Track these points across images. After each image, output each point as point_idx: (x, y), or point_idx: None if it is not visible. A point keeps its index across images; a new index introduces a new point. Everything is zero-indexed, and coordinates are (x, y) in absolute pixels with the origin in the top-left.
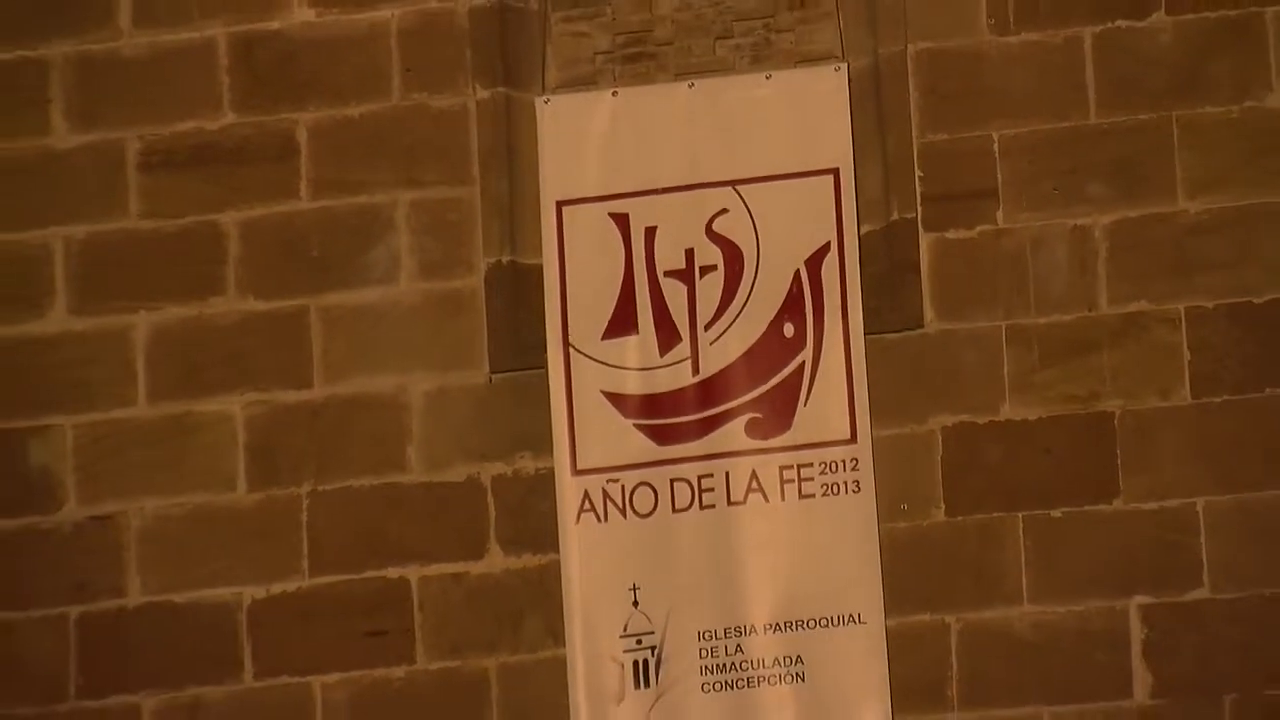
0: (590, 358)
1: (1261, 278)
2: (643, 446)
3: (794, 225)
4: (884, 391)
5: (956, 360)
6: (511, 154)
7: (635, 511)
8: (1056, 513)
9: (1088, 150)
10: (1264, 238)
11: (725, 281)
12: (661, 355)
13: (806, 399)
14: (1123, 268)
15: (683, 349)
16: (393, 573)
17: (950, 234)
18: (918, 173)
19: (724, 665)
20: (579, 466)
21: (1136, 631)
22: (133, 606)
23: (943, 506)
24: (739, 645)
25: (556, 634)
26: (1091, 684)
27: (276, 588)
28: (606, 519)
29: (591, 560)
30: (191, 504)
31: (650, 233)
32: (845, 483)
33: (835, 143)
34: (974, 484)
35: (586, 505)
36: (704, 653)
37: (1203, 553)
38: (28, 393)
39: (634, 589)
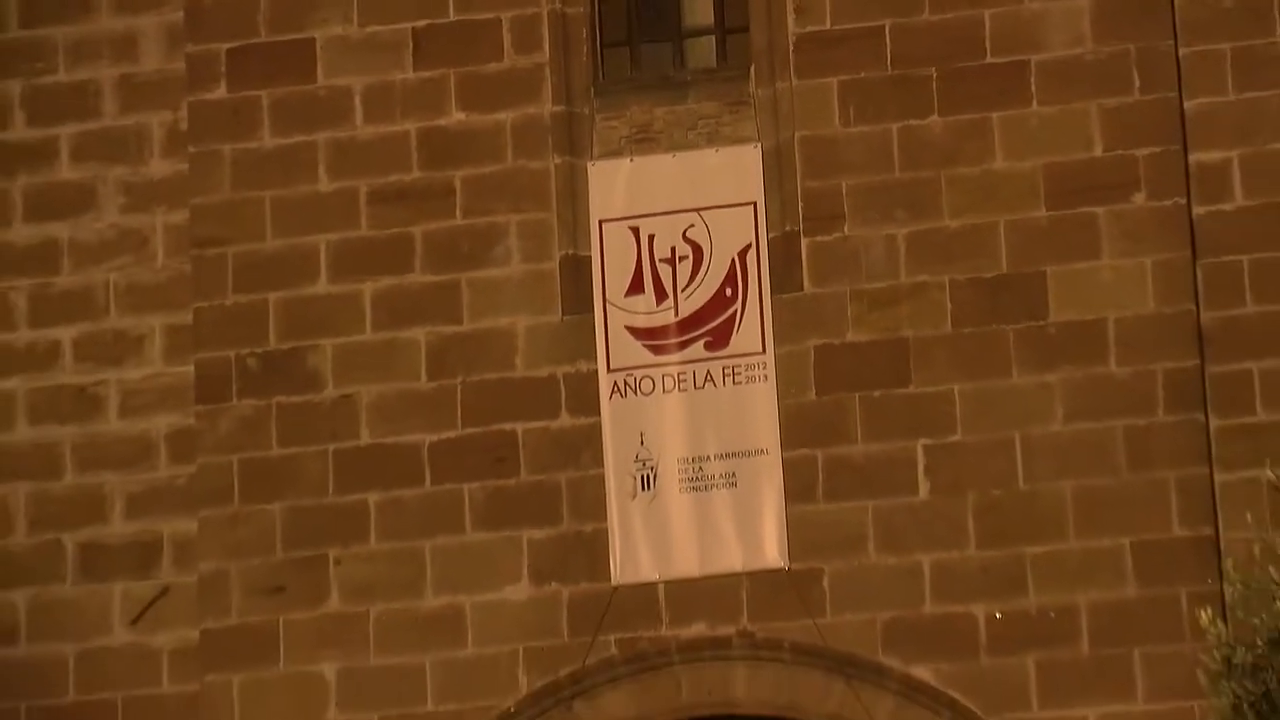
0: (617, 306)
1: (990, 264)
2: (646, 356)
3: (731, 233)
4: (781, 326)
5: (822, 308)
6: (574, 194)
7: (642, 393)
8: (876, 393)
9: (893, 195)
10: (993, 242)
11: (693, 265)
12: (657, 305)
13: (738, 329)
14: (913, 257)
15: (669, 302)
16: (507, 426)
17: (819, 239)
18: (800, 204)
19: (692, 478)
20: (611, 367)
21: (920, 459)
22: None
23: (813, 390)
24: (700, 466)
25: (599, 460)
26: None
27: (446, 434)
28: (626, 397)
29: (618, 420)
30: (398, 387)
31: (650, 238)
32: (759, 376)
33: (754, 187)
34: (832, 377)
35: (615, 389)
36: (680, 471)
37: (956, 409)
38: None
39: (641, 435)
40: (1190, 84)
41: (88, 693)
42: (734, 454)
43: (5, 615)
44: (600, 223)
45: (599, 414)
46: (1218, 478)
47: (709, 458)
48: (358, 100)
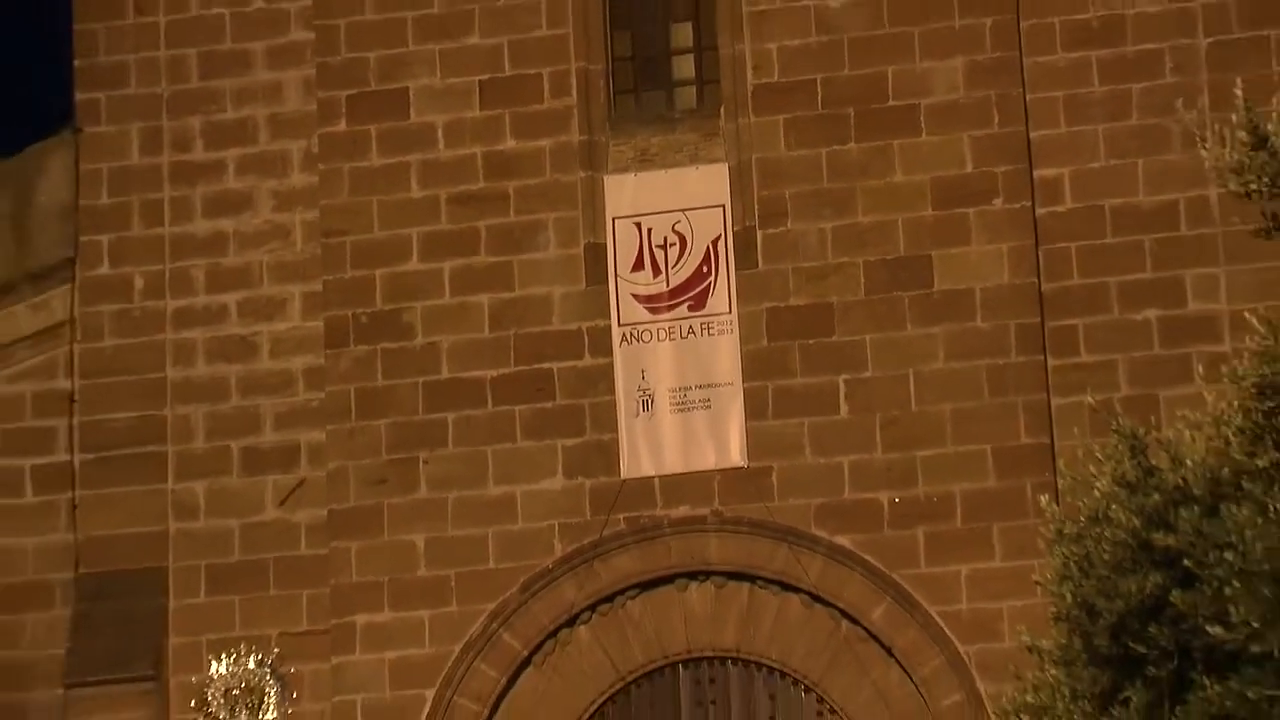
0: (625, 279)
1: (891, 249)
2: (645, 315)
3: (707, 227)
4: (742, 293)
5: (771, 281)
6: (594, 198)
7: (642, 341)
8: (810, 341)
9: (822, 200)
10: (894, 233)
11: (679, 250)
12: (653, 279)
13: (711, 295)
14: (836, 244)
15: (662, 276)
16: (546, 365)
17: (769, 231)
18: (756, 206)
19: (678, 402)
20: (620, 322)
21: (841, 389)
22: None
23: (765, 339)
24: (684, 394)
25: (612, 389)
26: None
27: (502, 370)
28: (631, 344)
29: (626, 360)
30: (467, 337)
31: (649, 230)
32: (727, 329)
33: (723, 193)
34: (778, 330)
35: (624, 338)
36: (670, 397)
37: (867, 353)
38: None
39: (642, 372)
40: (1034, 120)
41: (247, 555)
42: (708, 385)
43: (188, 499)
44: (613, 219)
45: (612, 356)
46: (1053, 402)
47: (690, 387)
48: (439, 131)
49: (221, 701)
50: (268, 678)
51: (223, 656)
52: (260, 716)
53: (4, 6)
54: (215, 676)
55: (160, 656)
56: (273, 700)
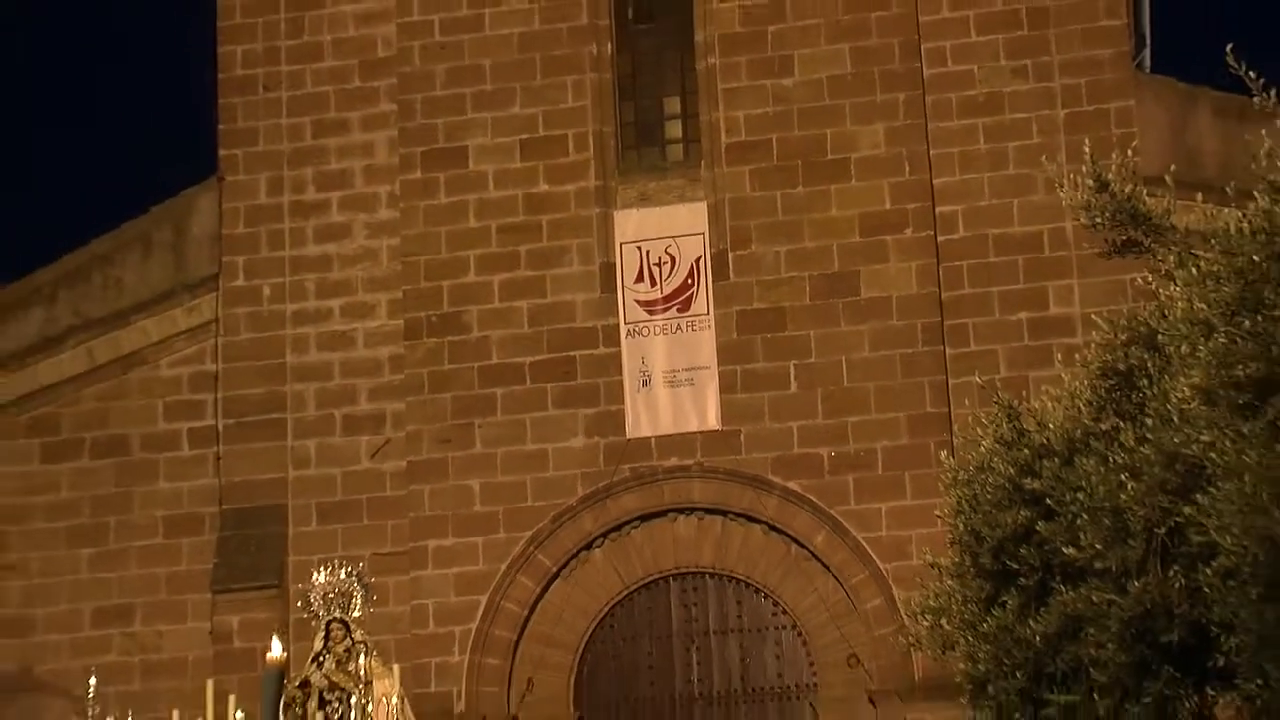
0: (629, 289)
1: (829, 266)
2: (645, 315)
3: (691, 250)
4: (717, 299)
5: (739, 290)
6: (607, 228)
7: (643, 335)
8: (768, 335)
9: (778, 230)
10: (830, 255)
11: (671, 267)
12: (651, 288)
13: (694, 300)
14: (788, 263)
15: (658, 286)
16: (571, 353)
17: (738, 252)
18: (728, 234)
19: (670, 380)
20: (626, 321)
21: (792, 371)
22: None
23: (735, 333)
24: (674, 374)
25: (620, 371)
26: None
27: (538, 357)
28: (634, 338)
29: (630, 350)
30: (512, 332)
31: (648, 252)
32: (706, 326)
33: (703, 225)
34: (745, 327)
35: (629, 333)
36: (664, 377)
37: (811, 344)
38: None
39: (643, 358)
40: (936, 170)
41: (346, 495)
42: (692, 368)
43: (302, 453)
44: (620, 244)
45: (619, 346)
46: (950, 381)
47: (679, 370)
48: (490, 178)
49: (321, 602)
50: (355, 585)
51: (322, 569)
52: (349, 614)
53: (163, 88)
54: (317, 584)
55: (282, 571)
56: (358, 602)
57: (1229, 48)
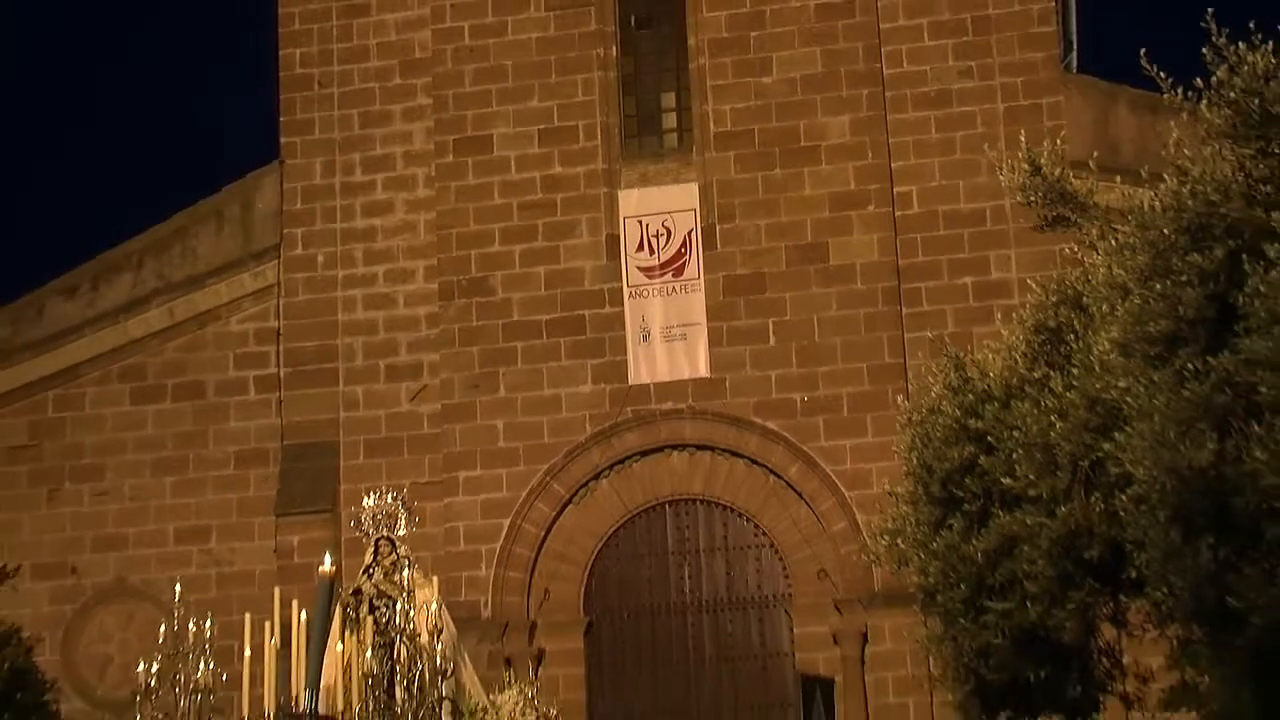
0: (632, 257)
1: (802, 237)
2: (645, 279)
3: (684, 223)
4: (706, 265)
5: (725, 258)
6: (613, 205)
7: (643, 296)
8: (750, 297)
9: (758, 205)
10: (803, 228)
11: (667, 238)
12: (650, 256)
13: (687, 266)
14: (767, 235)
15: (655, 255)
16: (581, 312)
17: (724, 225)
18: (715, 209)
19: (666, 335)
20: (629, 284)
21: (770, 327)
22: None
23: (721, 295)
24: (670, 329)
25: (623, 327)
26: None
27: (554, 315)
28: (636, 298)
29: (632, 309)
30: (531, 294)
31: (647, 225)
32: (698, 289)
33: (694, 201)
34: (730, 290)
35: (631, 294)
36: (661, 332)
37: (787, 303)
38: None
39: (643, 316)
40: (894, 156)
41: (390, 433)
42: (685, 324)
43: (352, 397)
44: (624, 219)
45: (623, 306)
46: (906, 336)
47: (674, 326)
48: (512, 162)
49: (370, 523)
50: (400, 508)
51: (371, 494)
52: (395, 533)
53: (233, 86)
54: (367, 507)
55: (334, 498)
56: (401, 522)
57: (1143, 51)
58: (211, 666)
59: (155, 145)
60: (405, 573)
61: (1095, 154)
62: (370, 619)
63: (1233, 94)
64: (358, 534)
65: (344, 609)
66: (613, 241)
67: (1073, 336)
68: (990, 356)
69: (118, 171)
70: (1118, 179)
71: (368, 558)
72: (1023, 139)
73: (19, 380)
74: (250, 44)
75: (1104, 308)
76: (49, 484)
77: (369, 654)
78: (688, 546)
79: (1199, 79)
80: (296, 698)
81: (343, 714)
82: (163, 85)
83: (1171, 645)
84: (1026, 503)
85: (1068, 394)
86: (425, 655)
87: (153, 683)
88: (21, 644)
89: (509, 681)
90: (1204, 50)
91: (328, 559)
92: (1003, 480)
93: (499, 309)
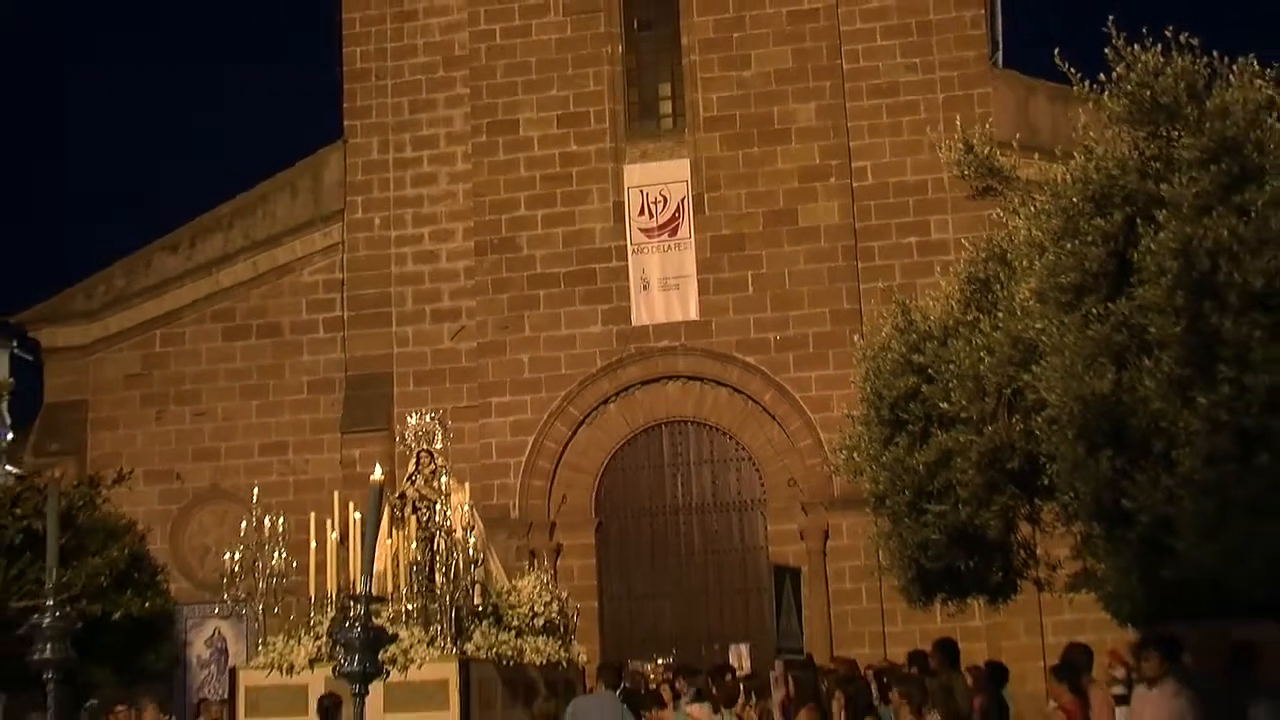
0: (634, 220)
1: (775, 203)
2: (645, 239)
3: (678, 192)
4: (697, 227)
5: (714, 221)
6: (620, 177)
7: (644, 252)
8: (735, 253)
9: (742, 178)
10: (776, 196)
11: (663, 204)
12: (649, 220)
13: (680, 228)
14: (749, 202)
15: (655, 218)
16: (592, 266)
17: (712, 194)
18: (704, 180)
19: (663, 284)
20: (632, 243)
21: (749, 278)
22: None
23: (709, 251)
24: (666, 280)
25: (628, 278)
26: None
27: (570, 268)
28: (638, 254)
29: (635, 262)
30: (552, 251)
31: (647, 194)
32: (689, 246)
33: (686, 174)
34: (718, 247)
35: (633, 250)
36: (658, 281)
37: (763, 259)
38: None
39: (644, 269)
40: (852, 136)
41: (435, 366)
42: (679, 276)
43: (403, 336)
44: (628, 188)
45: (627, 261)
46: (861, 286)
47: (670, 277)
48: (535, 141)
49: (414, 437)
50: (436, 426)
51: (414, 414)
52: (433, 446)
53: (305, 79)
54: (410, 424)
55: (389, 419)
56: (438, 437)
57: (1057, 51)
58: (285, 556)
59: (243, 129)
60: (442, 480)
61: (1018, 136)
62: (413, 518)
63: (1130, 86)
64: (404, 448)
65: (391, 509)
66: (618, 207)
67: (998, 286)
68: (930, 303)
69: (211, 152)
70: (1036, 156)
71: (410, 467)
72: (958, 123)
73: (132, 321)
74: (319, 45)
75: (1024, 263)
76: (157, 406)
77: (413, 546)
78: (680, 460)
79: (1102, 74)
80: (354, 581)
81: (391, 594)
82: (252, 79)
83: (1076, 539)
84: (960, 423)
85: (994, 333)
86: (459, 547)
87: (236, 569)
88: (136, 534)
89: (529, 568)
90: (1107, 50)
91: (378, 469)
92: (940, 405)
93: (524, 263)
